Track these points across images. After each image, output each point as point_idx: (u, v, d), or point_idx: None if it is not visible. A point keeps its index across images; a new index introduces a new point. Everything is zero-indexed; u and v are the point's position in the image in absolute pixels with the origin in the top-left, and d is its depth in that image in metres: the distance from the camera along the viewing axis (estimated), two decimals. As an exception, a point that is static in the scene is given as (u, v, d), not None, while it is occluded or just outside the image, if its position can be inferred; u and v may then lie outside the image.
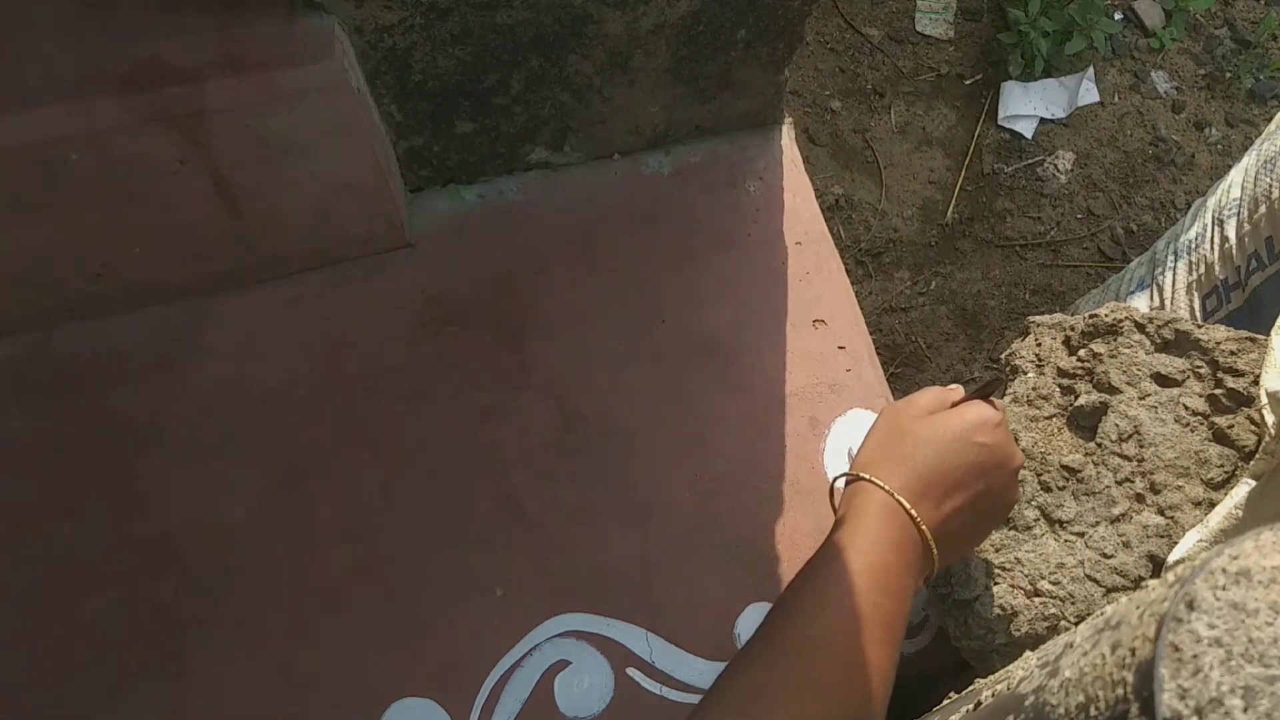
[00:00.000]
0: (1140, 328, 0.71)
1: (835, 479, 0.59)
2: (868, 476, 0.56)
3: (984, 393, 0.61)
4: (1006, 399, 0.72)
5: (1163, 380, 0.69)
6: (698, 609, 0.77)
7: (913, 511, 0.54)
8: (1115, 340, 0.71)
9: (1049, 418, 0.71)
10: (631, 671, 0.74)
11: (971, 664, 0.69)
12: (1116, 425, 0.68)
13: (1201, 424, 0.67)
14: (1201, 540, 0.61)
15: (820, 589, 0.52)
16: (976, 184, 1.85)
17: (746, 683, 0.49)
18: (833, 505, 0.61)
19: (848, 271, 0.95)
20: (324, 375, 0.84)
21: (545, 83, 0.85)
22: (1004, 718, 0.35)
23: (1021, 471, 0.68)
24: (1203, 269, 1.06)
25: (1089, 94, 1.94)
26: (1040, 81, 1.92)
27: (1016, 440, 0.69)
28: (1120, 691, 0.25)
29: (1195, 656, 0.23)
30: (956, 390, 0.62)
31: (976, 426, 0.57)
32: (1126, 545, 0.65)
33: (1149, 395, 0.69)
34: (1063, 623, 0.63)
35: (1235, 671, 0.22)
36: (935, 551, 0.54)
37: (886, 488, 0.54)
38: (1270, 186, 0.97)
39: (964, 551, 0.59)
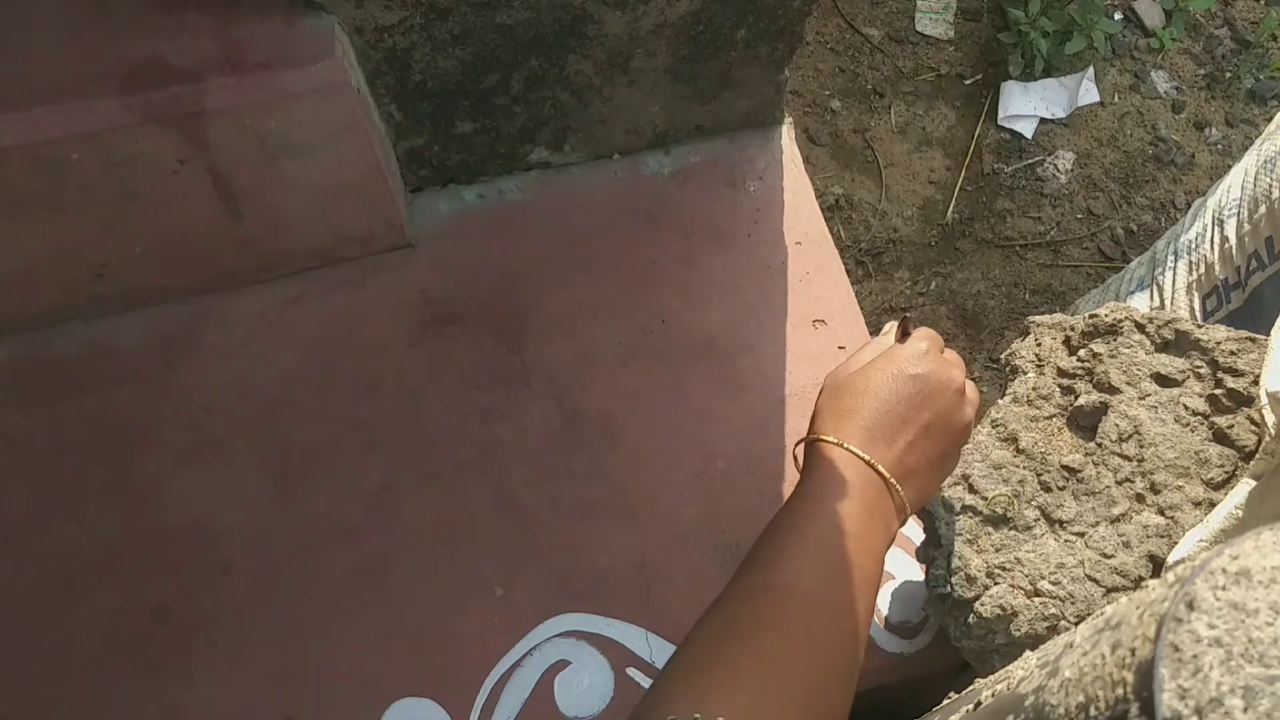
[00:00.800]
0: (1140, 328, 0.71)
1: (795, 444, 0.60)
2: (820, 436, 0.58)
3: (903, 330, 0.63)
4: (1006, 398, 0.72)
5: (1163, 380, 0.69)
6: (698, 609, 0.77)
7: (864, 455, 0.55)
8: (1115, 340, 0.71)
9: (1049, 418, 0.71)
10: (631, 671, 0.74)
11: (971, 664, 0.69)
12: (1116, 425, 0.68)
13: (1201, 424, 0.67)
14: (1201, 540, 0.61)
15: (778, 539, 0.53)
16: (976, 184, 1.85)
17: (713, 627, 0.50)
18: (798, 471, 0.62)
19: (848, 271, 0.95)
20: (324, 375, 0.84)
21: (545, 83, 0.85)
22: (1004, 718, 0.35)
23: (1021, 471, 0.68)
24: (1203, 269, 1.06)
25: (1089, 94, 1.94)
26: (1040, 81, 1.92)
27: (1016, 440, 0.69)
28: (1120, 691, 0.25)
29: (1195, 656, 0.23)
30: (888, 334, 0.63)
31: (907, 360, 0.59)
32: (1126, 545, 0.65)
33: (1149, 395, 0.69)
34: (1063, 623, 0.63)
35: (1235, 671, 0.22)
36: (901, 489, 0.56)
37: (835, 440, 0.56)
38: (1270, 186, 0.97)
39: (932, 486, 0.60)
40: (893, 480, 0.55)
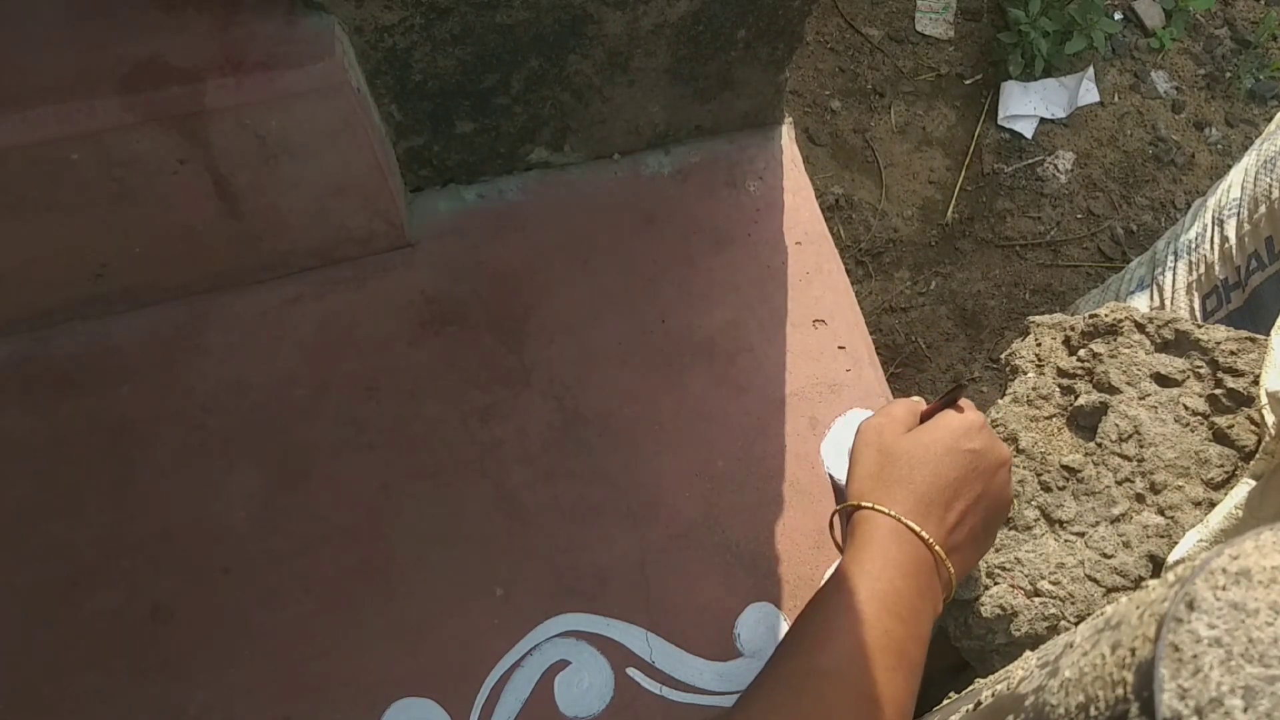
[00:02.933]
0: (1140, 328, 0.71)
1: (834, 512, 0.59)
2: (870, 505, 0.55)
3: (952, 399, 0.61)
4: (1006, 398, 0.72)
5: (1163, 380, 0.69)
6: (698, 609, 0.77)
7: (922, 532, 0.53)
8: (1115, 340, 0.71)
9: (1049, 418, 0.71)
10: (631, 671, 0.74)
11: (971, 664, 0.69)
12: (1116, 425, 0.68)
13: (1201, 424, 0.67)
14: (1201, 540, 0.61)
15: (828, 619, 0.51)
16: (976, 184, 1.85)
17: (756, 713, 0.48)
18: (834, 539, 0.61)
19: (848, 271, 0.95)
20: (324, 375, 0.84)
21: (545, 83, 0.85)
22: (1004, 718, 0.35)
23: (1021, 471, 0.68)
24: (1203, 269, 1.06)
25: (1089, 94, 1.94)
26: (1040, 81, 1.92)
27: (1016, 440, 0.69)
28: (1120, 691, 0.25)
29: (1195, 656, 0.23)
30: (919, 401, 0.62)
31: (963, 434, 0.57)
32: (1126, 545, 0.65)
33: (1149, 395, 0.69)
34: (1063, 623, 0.63)
35: (1235, 671, 0.22)
36: (950, 568, 0.53)
37: (891, 513, 0.54)
38: (1270, 186, 0.97)
39: (972, 563, 0.58)
40: (945, 559, 0.53)
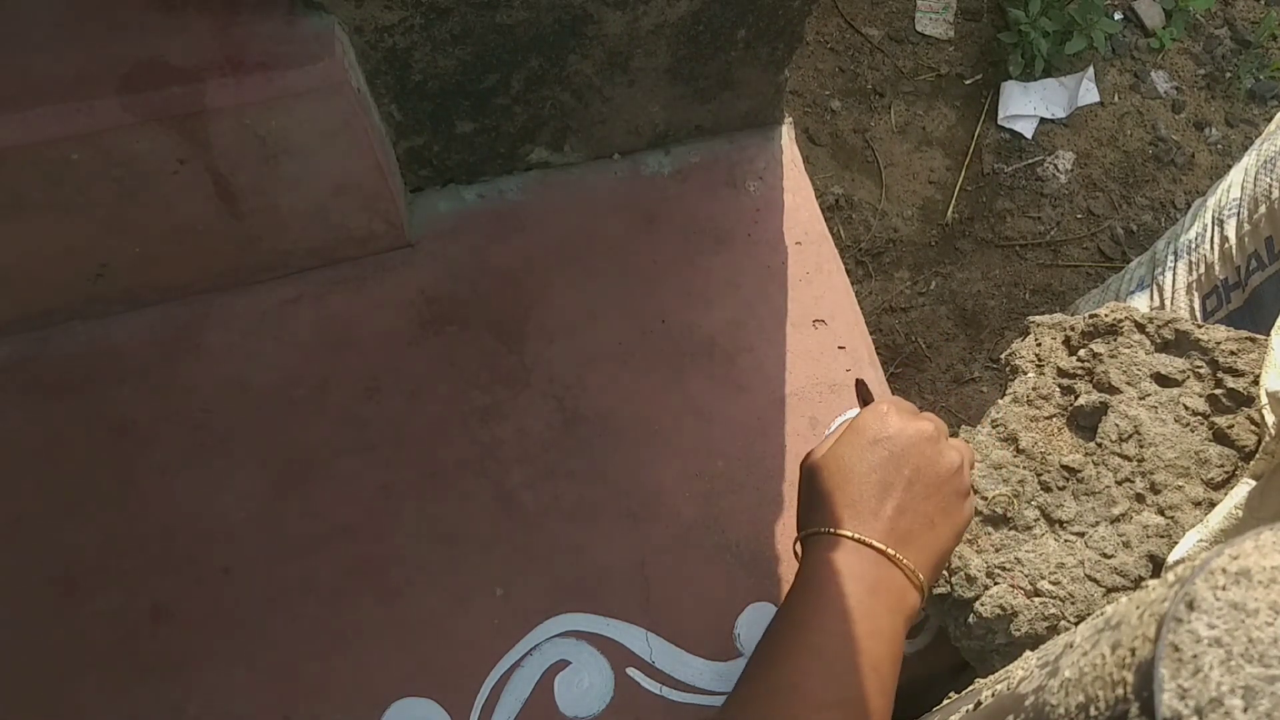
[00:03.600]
0: (1140, 328, 0.71)
1: (794, 544, 0.59)
2: (803, 533, 0.56)
3: (862, 397, 0.62)
4: (1006, 398, 0.72)
5: (1163, 380, 0.69)
6: (698, 609, 0.77)
7: (851, 534, 0.54)
8: (1115, 340, 0.71)
9: (1049, 418, 0.71)
10: (631, 671, 0.74)
11: (971, 664, 0.69)
12: (1116, 425, 0.68)
13: (1201, 424, 0.67)
14: (1201, 540, 0.61)
15: (783, 639, 0.52)
16: (976, 184, 1.85)
17: None
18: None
19: (848, 271, 0.95)
20: (324, 375, 0.84)
21: (545, 83, 0.85)
22: (1004, 718, 0.35)
23: (1021, 471, 0.68)
24: (1203, 269, 1.06)
25: (1089, 94, 1.94)
26: (1040, 81, 1.92)
27: (1016, 440, 0.69)
28: (1120, 691, 0.25)
29: (1195, 656, 0.23)
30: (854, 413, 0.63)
31: (868, 425, 0.57)
32: (1126, 545, 0.65)
33: (1149, 395, 0.69)
34: (1063, 623, 0.63)
35: (1235, 671, 0.22)
36: (903, 557, 0.54)
37: (822, 530, 0.55)
38: (1270, 186, 0.97)
39: (941, 543, 0.57)
40: (889, 550, 0.53)
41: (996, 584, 0.65)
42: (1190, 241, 1.09)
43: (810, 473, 0.59)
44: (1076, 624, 0.52)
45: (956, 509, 0.58)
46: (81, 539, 0.76)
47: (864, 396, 0.62)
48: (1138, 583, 0.64)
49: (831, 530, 0.54)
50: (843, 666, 0.49)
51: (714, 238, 0.94)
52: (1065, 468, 0.68)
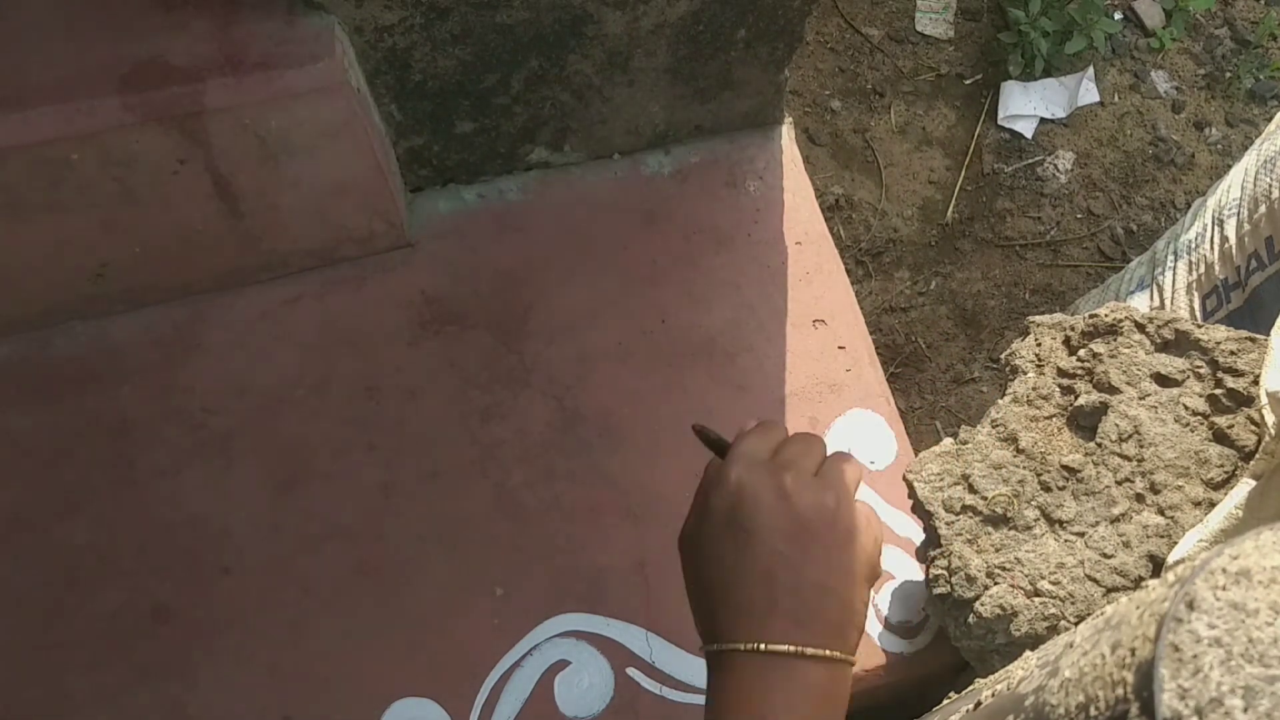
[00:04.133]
0: (1140, 328, 0.71)
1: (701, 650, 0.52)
2: (706, 647, 0.50)
3: (713, 445, 0.55)
4: (1006, 398, 0.72)
5: (1163, 380, 0.69)
6: (698, 609, 0.77)
7: (760, 645, 0.46)
8: (1115, 340, 0.71)
9: (1049, 418, 0.71)
10: (631, 671, 0.74)
11: (971, 664, 0.69)
12: (1116, 425, 0.68)
13: (1201, 424, 0.67)
14: (1201, 540, 0.61)
15: None
16: (976, 184, 1.85)
17: None
18: None
19: (848, 271, 0.95)
20: (324, 375, 0.84)
21: (545, 83, 0.85)
22: (1004, 718, 0.35)
23: (1021, 471, 0.68)
24: (1203, 269, 1.06)
25: (1089, 94, 1.93)
26: (1040, 81, 1.92)
27: (1016, 440, 0.69)
28: (1120, 691, 0.25)
29: (1195, 656, 0.23)
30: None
31: (718, 507, 0.50)
32: (1126, 545, 0.65)
33: (1149, 395, 0.69)
34: (1063, 623, 0.63)
35: (1235, 671, 0.22)
36: (817, 651, 0.46)
37: (727, 646, 0.48)
38: (1270, 186, 0.96)
39: (841, 604, 0.48)
40: (806, 650, 0.46)
41: (996, 584, 0.65)
42: (1190, 241, 1.09)
43: (687, 563, 0.53)
44: (1076, 624, 0.52)
45: (845, 557, 0.49)
46: (82, 539, 0.76)
47: (714, 445, 0.54)
48: (1138, 583, 0.64)
49: (742, 646, 0.47)
50: None
51: (714, 238, 0.94)
52: (1065, 468, 0.68)
